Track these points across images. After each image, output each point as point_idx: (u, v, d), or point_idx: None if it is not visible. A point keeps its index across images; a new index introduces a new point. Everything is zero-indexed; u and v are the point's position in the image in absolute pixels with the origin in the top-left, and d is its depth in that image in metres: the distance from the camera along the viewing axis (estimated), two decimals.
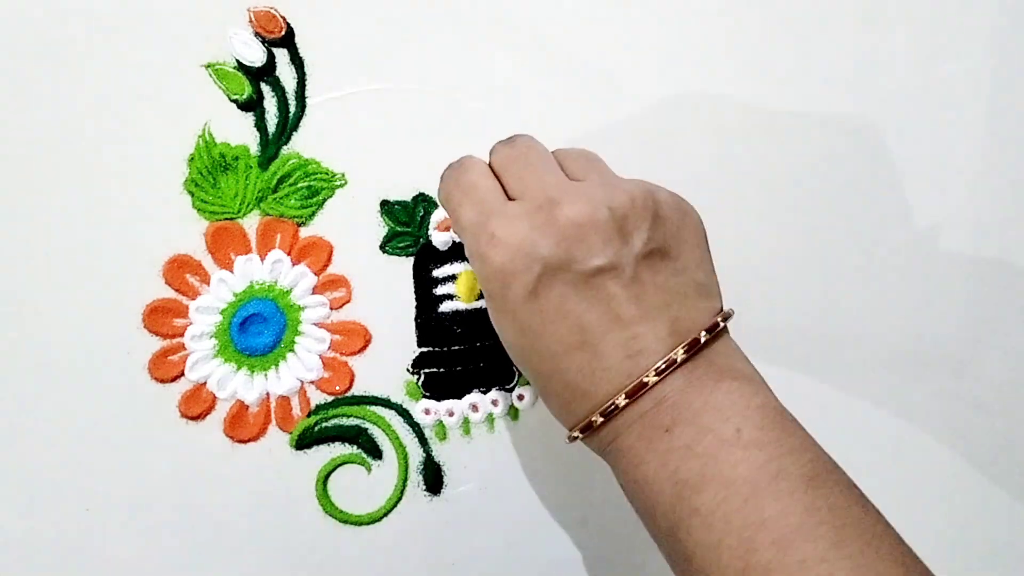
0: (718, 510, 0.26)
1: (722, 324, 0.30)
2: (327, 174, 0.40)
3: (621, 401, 0.28)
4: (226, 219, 0.40)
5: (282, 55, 0.40)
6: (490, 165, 0.33)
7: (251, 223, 0.40)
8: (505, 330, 0.30)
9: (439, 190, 0.33)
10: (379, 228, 0.41)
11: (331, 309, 0.41)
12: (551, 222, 0.28)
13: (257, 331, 0.40)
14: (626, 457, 0.29)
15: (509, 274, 0.28)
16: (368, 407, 0.41)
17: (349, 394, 0.41)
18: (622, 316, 0.28)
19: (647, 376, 0.28)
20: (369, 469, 0.41)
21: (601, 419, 0.29)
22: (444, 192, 0.33)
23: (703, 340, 0.29)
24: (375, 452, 0.41)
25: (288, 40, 0.40)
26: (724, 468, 0.26)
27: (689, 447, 0.27)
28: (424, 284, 0.41)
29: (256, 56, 0.39)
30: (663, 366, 0.28)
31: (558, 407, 0.30)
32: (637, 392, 0.28)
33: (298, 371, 0.40)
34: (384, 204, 0.41)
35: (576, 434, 0.30)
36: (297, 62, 0.40)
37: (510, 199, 0.30)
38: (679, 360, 0.28)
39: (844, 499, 0.26)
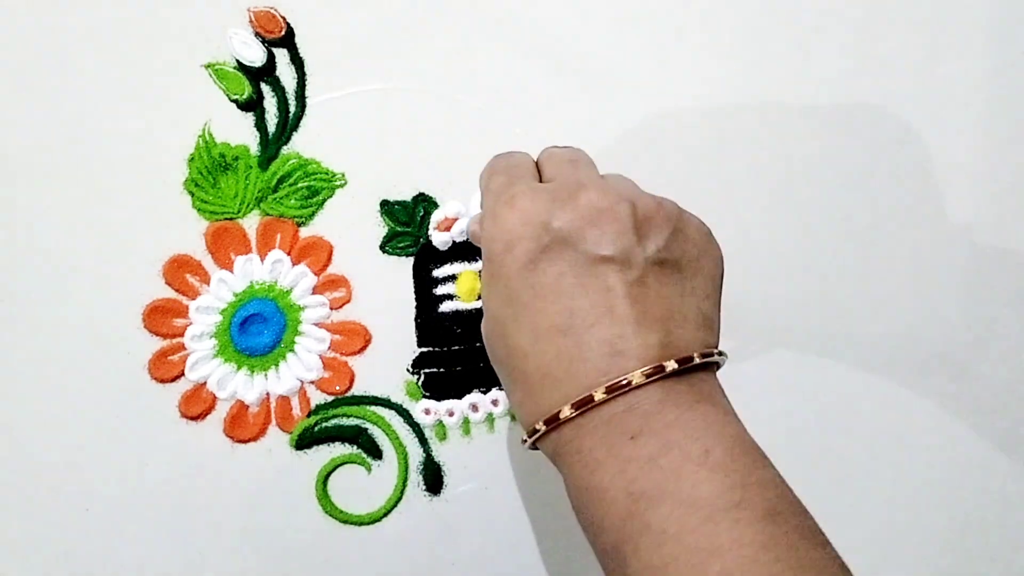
0: (671, 528, 0.24)
1: (716, 357, 0.28)
2: (327, 174, 0.40)
3: (599, 395, 0.26)
4: (226, 219, 0.40)
5: (282, 55, 0.40)
6: (537, 160, 0.32)
7: (251, 223, 0.40)
8: (492, 297, 0.29)
9: (481, 173, 0.33)
10: (379, 228, 0.41)
11: (331, 309, 0.41)
12: (572, 200, 0.28)
13: (257, 331, 0.40)
14: (582, 460, 0.27)
15: (516, 237, 0.28)
16: (368, 407, 0.41)
17: (349, 394, 0.41)
18: (616, 311, 0.27)
19: (633, 375, 0.26)
20: (369, 469, 0.41)
21: (572, 412, 0.27)
22: (485, 170, 0.32)
23: (696, 361, 0.27)
24: (375, 452, 0.41)
25: (288, 40, 0.40)
26: (685, 486, 0.24)
27: (652, 459, 0.25)
28: (424, 284, 0.41)
29: (256, 56, 0.39)
30: (650, 370, 0.26)
31: (524, 393, 0.28)
32: (617, 390, 0.26)
33: (298, 371, 0.40)
34: (384, 204, 0.41)
35: (540, 427, 0.28)
36: (297, 62, 0.40)
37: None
38: (668, 371, 0.26)
39: (804, 541, 0.24)
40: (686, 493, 0.24)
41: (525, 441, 0.29)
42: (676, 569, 0.24)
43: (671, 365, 0.27)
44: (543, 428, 0.28)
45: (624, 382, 0.26)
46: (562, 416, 0.27)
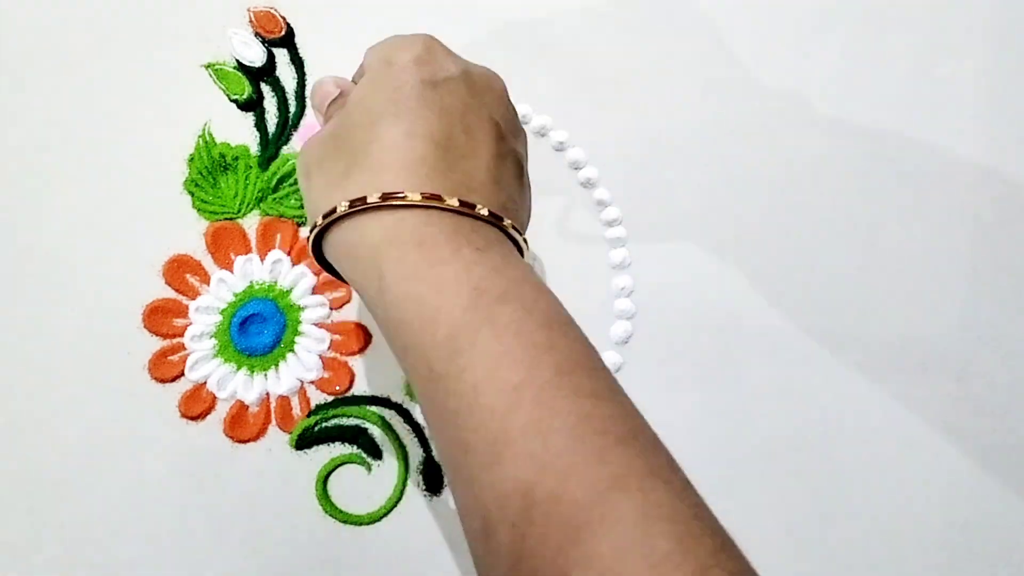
0: (512, 325, 0.26)
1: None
2: None
3: (451, 201, 0.28)
4: (226, 219, 0.40)
5: (282, 55, 0.40)
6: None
7: (251, 223, 0.40)
8: (376, 93, 0.30)
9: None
10: None
11: (331, 309, 0.41)
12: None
13: (257, 331, 0.40)
14: (424, 253, 0.27)
15: (424, 58, 0.32)
16: (368, 407, 0.41)
17: (349, 394, 0.41)
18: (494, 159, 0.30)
19: (482, 210, 0.29)
20: (369, 469, 0.41)
21: (428, 202, 0.28)
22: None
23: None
24: (375, 452, 0.41)
25: (288, 40, 0.40)
26: (527, 296, 0.27)
27: (497, 269, 0.27)
28: None
29: (256, 56, 0.39)
30: (488, 215, 0.29)
31: (371, 173, 0.29)
32: (466, 206, 0.28)
33: (298, 371, 0.40)
34: None
35: (410, 198, 0.28)
36: (297, 62, 0.40)
37: None
38: (505, 224, 0.29)
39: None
40: (529, 300, 0.27)
41: (333, 216, 0.29)
42: (512, 360, 0.25)
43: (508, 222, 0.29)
44: (408, 201, 0.28)
45: (478, 208, 0.28)
46: (413, 199, 0.28)
